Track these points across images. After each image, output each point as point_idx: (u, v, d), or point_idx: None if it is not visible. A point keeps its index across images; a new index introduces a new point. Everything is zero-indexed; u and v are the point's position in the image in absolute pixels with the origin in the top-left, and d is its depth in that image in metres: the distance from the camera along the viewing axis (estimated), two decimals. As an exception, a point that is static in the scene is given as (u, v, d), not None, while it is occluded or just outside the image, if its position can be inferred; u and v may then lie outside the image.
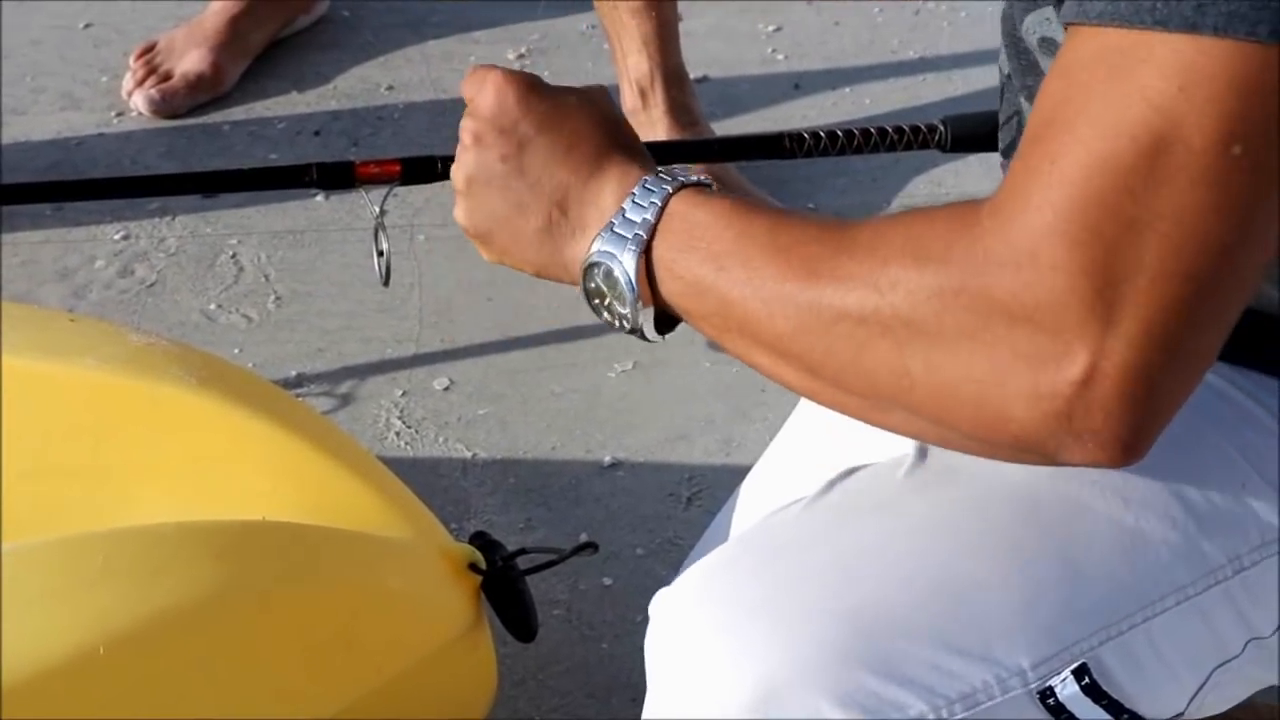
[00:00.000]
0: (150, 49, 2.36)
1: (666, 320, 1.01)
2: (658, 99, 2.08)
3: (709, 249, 0.96)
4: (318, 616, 1.26)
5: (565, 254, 1.02)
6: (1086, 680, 1.01)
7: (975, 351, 0.87)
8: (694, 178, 0.99)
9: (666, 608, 1.03)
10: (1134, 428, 0.86)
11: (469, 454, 1.86)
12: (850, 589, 1.00)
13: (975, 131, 1.72)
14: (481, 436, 1.88)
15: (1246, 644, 1.06)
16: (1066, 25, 0.86)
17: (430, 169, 1.80)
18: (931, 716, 0.99)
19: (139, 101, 2.31)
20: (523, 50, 2.44)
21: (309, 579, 1.27)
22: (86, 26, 2.49)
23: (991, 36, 2.45)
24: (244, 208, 2.18)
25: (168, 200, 2.18)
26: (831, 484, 1.07)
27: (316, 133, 2.31)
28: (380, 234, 1.74)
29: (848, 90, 2.38)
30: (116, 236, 2.14)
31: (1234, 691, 1.10)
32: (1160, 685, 1.05)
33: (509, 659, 1.58)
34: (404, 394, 1.94)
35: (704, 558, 1.05)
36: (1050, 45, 1.03)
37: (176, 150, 2.28)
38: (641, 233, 0.97)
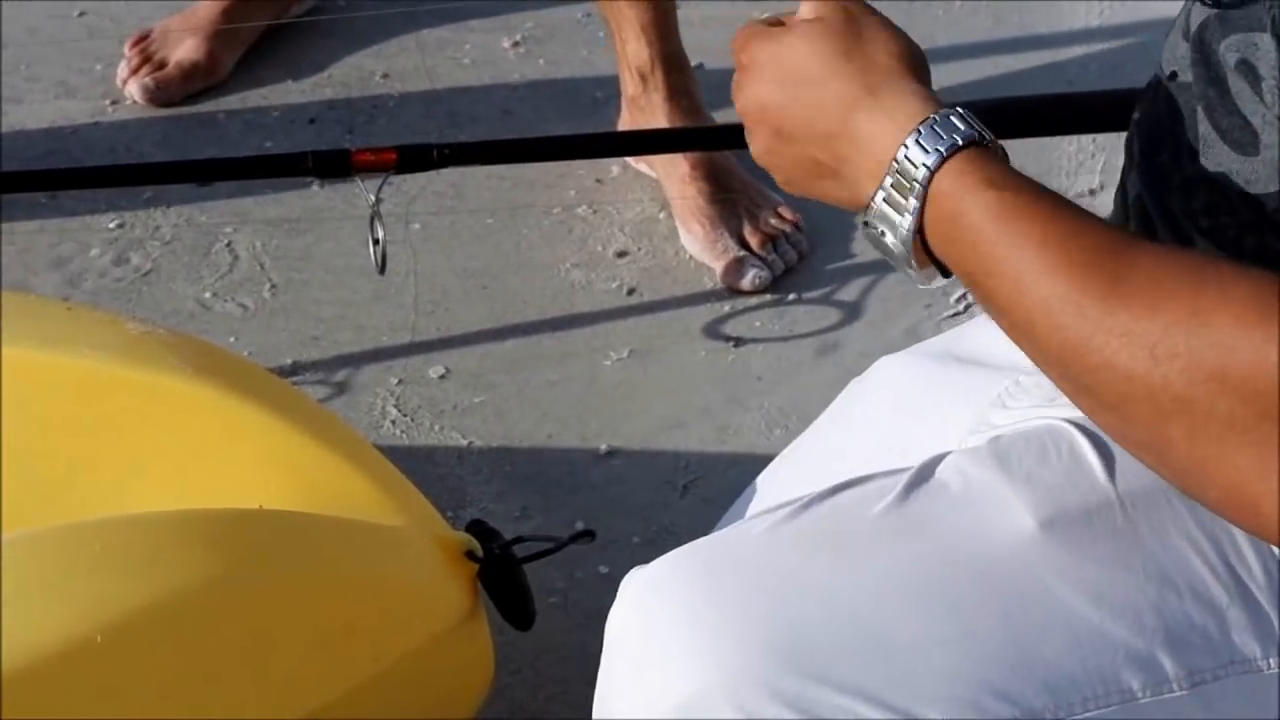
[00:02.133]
0: (145, 37, 2.36)
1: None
2: (658, 84, 2.08)
3: (976, 249, 0.94)
4: (313, 604, 1.26)
5: (854, 198, 1.01)
6: None
7: (1244, 444, 0.85)
8: (955, 139, 0.97)
9: (626, 594, 1.07)
10: None
11: (465, 442, 1.87)
12: (785, 623, 1.01)
13: (971, 120, 1.72)
14: (477, 425, 1.89)
15: None
16: None
17: (426, 157, 1.80)
18: None
19: (134, 90, 2.31)
20: (518, 38, 2.43)
21: (305, 567, 1.28)
22: (81, 15, 2.49)
23: (986, 27, 2.46)
24: (239, 196, 2.17)
25: (162, 189, 2.18)
26: (807, 504, 1.08)
27: (311, 121, 2.31)
28: (376, 222, 1.75)
29: (843, 78, 2.37)
30: (111, 225, 2.14)
31: None
32: None
33: (506, 647, 1.58)
34: (399, 382, 1.94)
35: (678, 549, 1.08)
36: (1249, 70, 0.99)
37: (171, 139, 2.28)
38: (910, 220, 0.96)
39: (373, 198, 1.74)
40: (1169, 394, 0.87)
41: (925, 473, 1.09)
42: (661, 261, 2.09)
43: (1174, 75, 1.07)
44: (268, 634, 1.23)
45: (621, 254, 2.10)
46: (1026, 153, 2.12)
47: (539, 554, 1.43)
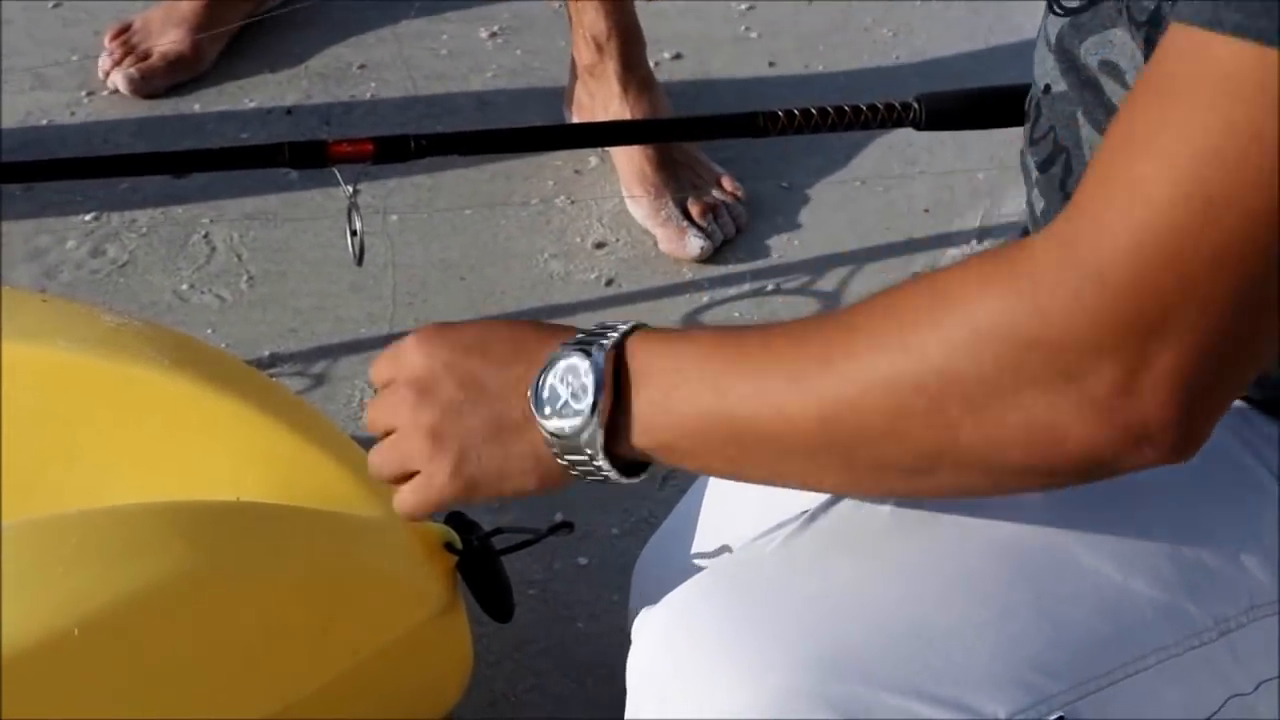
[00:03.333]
0: (126, 29, 2.35)
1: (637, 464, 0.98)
2: (613, 52, 2.10)
3: (699, 382, 0.93)
4: (291, 598, 1.26)
5: (526, 445, 0.99)
6: None
7: (1021, 384, 0.85)
8: (619, 329, 0.96)
9: (646, 633, 1.05)
10: (1185, 427, 0.85)
11: (443, 434, 1.86)
12: (821, 632, 1.00)
13: (949, 109, 1.72)
14: (456, 416, 1.88)
15: (1226, 700, 1.06)
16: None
17: (403, 148, 1.79)
18: None
19: (118, 81, 2.30)
20: (495, 29, 2.43)
21: (282, 560, 1.27)
22: (55, 6, 2.48)
23: (963, 16, 2.46)
24: (216, 187, 2.17)
25: (139, 180, 2.17)
26: (812, 517, 1.06)
27: (289, 112, 2.30)
28: (354, 213, 1.74)
29: (821, 68, 2.38)
30: (87, 217, 2.13)
31: None
32: None
33: (485, 638, 1.58)
34: (378, 374, 1.93)
35: (690, 582, 1.06)
36: (1113, 69, 1.01)
37: (148, 130, 2.27)
38: (596, 401, 0.94)
39: (350, 189, 1.73)
40: (932, 372, 0.86)
41: None
42: (640, 252, 2.08)
43: (1048, 88, 1.08)
44: (244, 627, 1.23)
45: (600, 245, 2.10)
46: (1004, 142, 2.13)
47: (518, 545, 1.42)
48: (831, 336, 0.90)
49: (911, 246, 2.08)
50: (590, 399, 0.94)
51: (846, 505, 1.06)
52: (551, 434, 0.96)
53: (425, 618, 1.33)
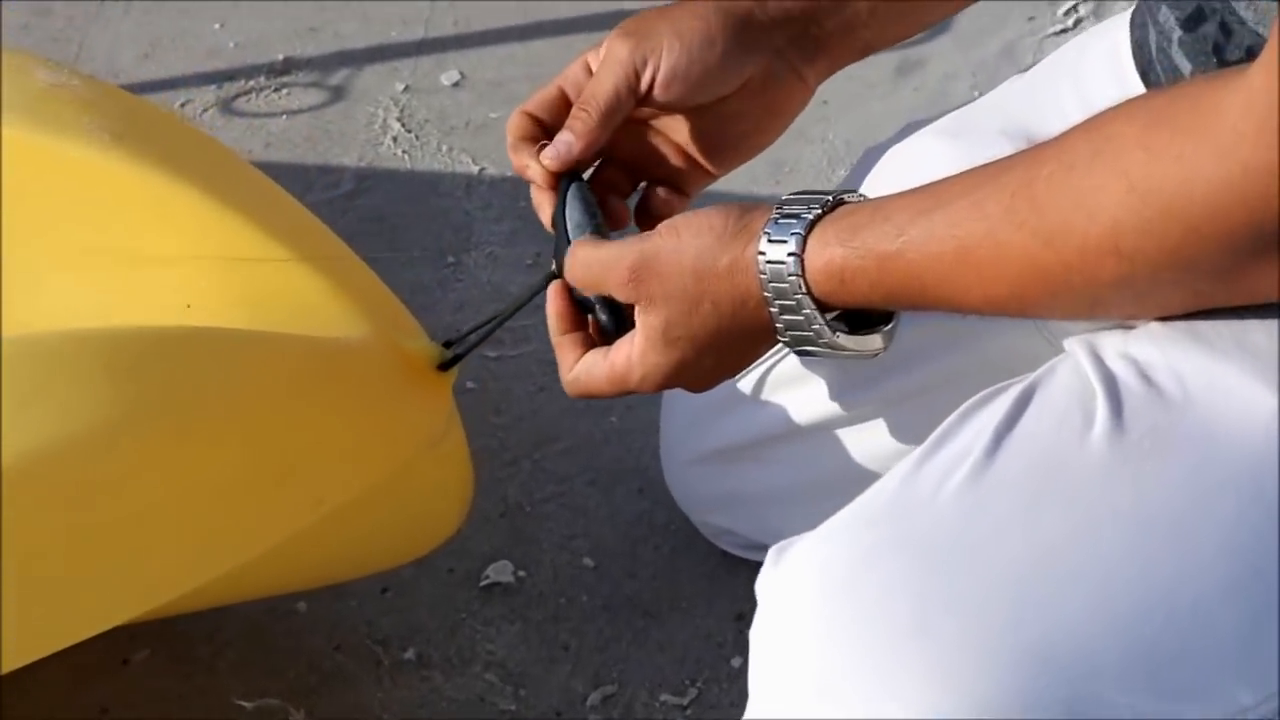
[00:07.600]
0: None
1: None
2: None
3: (884, 285, 0.87)
4: (271, 433, 1.05)
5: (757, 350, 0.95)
6: None
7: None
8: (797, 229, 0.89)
9: (790, 598, 0.84)
10: None
11: (475, 169, 1.62)
12: (1034, 614, 0.81)
13: None
14: (491, 147, 1.64)
15: None
16: None
17: None
18: None
19: None
20: None
21: (258, 391, 1.05)
22: None
23: None
24: None
25: None
26: (995, 442, 0.86)
27: None
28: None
29: None
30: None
31: None
32: None
33: (501, 432, 1.38)
34: (406, 89, 1.69)
35: (838, 530, 0.85)
36: None
37: None
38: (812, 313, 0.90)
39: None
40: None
41: (1110, 374, 0.87)
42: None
43: None
44: (203, 477, 1.02)
45: (660, -50, 1.83)
46: None
47: (514, 309, 1.16)
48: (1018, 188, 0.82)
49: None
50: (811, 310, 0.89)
51: (1033, 429, 0.86)
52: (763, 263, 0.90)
53: (418, 447, 1.13)
